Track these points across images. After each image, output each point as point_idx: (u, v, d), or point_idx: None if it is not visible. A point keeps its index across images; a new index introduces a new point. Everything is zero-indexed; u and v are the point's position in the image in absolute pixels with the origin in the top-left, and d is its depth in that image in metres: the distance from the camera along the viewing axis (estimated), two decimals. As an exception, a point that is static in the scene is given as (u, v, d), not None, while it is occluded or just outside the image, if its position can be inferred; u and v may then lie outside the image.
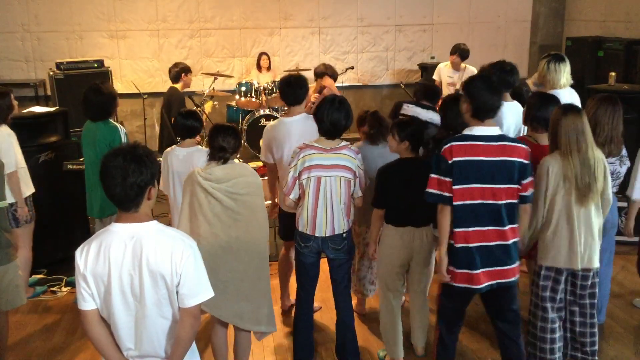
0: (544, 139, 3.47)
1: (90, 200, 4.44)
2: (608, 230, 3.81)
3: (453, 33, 8.89)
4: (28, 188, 4.42)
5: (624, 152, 3.82)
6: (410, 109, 3.98)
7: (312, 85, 5.74)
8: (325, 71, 5.93)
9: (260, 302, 3.34)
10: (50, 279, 5.00)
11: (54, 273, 5.06)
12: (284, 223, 4.14)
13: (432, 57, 9.00)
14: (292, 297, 4.14)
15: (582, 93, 4.73)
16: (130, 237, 2.17)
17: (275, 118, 7.41)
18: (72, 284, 4.84)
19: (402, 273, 3.69)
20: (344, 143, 3.50)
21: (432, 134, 3.83)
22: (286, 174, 3.54)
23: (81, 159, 4.86)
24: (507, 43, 9.44)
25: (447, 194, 3.03)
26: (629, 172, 3.91)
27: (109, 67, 7.75)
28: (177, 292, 2.21)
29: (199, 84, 8.10)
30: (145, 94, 7.84)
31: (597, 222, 3.30)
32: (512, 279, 3.13)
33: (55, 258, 5.19)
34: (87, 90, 4.29)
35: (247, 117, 7.91)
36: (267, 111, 7.88)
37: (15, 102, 4.39)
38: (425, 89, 4.56)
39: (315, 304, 4.09)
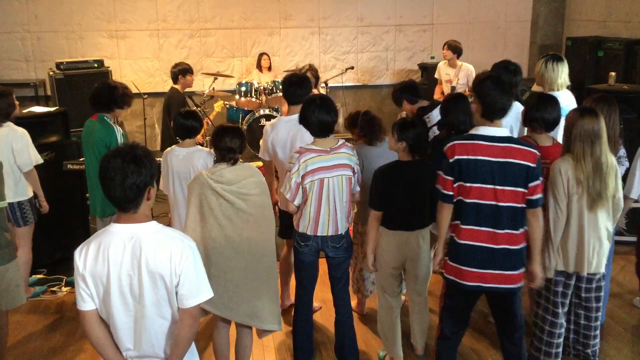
0: (543, 140, 3.44)
1: (92, 199, 4.47)
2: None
3: (453, 33, 8.85)
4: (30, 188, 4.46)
5: (622, 152, 3.80)
6: (432, 117, 4.05)
7: None
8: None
9: (271, 299, 3.34)
10: (50, 279, 5.01)
11: (54, 273, 5.07)
12: (284, 221, 4.14)
13: (432, 57, 9.00)
14: (292, 297, 4.14)
15: (582, 93, 4.70)
16: (129, 238, 2.18)
17: (275, 118, 7.41)
18: (72, 284, 4.84)
19: (397, 275, 3.68)
20: (341, 141, 3.49)
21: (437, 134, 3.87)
22: (284, 174, 3.53)
23: (81, 159, 4.86)
24: (507, 43, 9.43)
25: (447, 192, 3.03)
26: (628, 172, 3.90)
27: (109, 67, 7.75)
28: (177, 293, 2.21)
29: (199, 84, 8.08)
30: (145, 94, 7.84)
31: (607, 226, 3.25)
32: (512, 286, 3.03)
33: (55, 258, 5.21)
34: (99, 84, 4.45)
35: (247, 117, 7.92)
36: (267, 111, 7.88)
37: (16, 102, 4.41)
38: (403, 88, 4.44)
39: (315, 304, 4.09)
